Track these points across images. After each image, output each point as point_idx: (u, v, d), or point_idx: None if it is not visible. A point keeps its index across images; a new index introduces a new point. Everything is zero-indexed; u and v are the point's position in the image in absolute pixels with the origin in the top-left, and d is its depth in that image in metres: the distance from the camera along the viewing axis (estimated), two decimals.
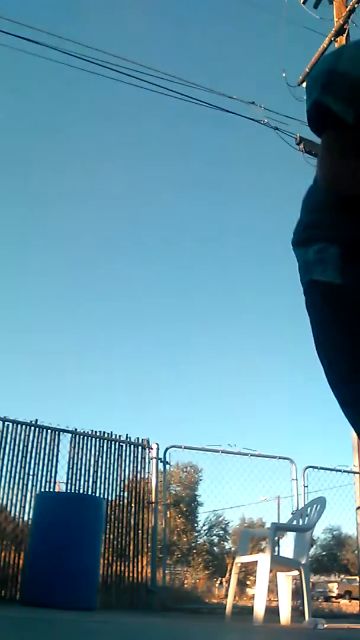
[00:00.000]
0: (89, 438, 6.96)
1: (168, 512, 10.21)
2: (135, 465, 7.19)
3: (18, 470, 6.44)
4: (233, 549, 22.88)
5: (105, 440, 7.07)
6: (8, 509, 6.34)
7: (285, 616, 5.35)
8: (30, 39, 8.11)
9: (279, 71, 10.69)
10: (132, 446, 7.22)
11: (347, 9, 10.78)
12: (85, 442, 6.92)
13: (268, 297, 53.77)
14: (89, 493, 6.75)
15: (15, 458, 6.45)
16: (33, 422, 6.66)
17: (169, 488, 11.65)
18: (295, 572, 5.31)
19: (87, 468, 6.86)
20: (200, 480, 20.80)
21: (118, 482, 7.04)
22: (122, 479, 7.10)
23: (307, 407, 49.59)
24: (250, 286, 54.24)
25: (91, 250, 53.45)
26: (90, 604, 5.60)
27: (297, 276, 1.66)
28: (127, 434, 7.26)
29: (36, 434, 6.64)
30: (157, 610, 6.47)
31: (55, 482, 6.64)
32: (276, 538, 6.32)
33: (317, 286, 1.52)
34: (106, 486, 6.93)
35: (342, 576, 30.50)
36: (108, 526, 6.77)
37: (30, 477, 6.49)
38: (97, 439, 7.02)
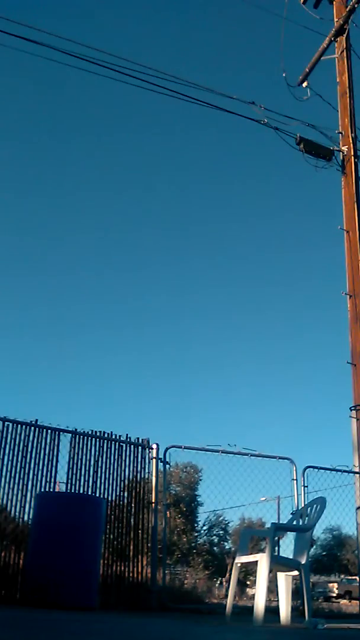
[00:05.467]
0: (89, 438, 6.96)
1: (168, 512, 10.20)
2: (135, 465, 7.18)
3: (18, 470, 6.44)
4: (233, 549, 22.88)
5: (105, 440, 7.06)
6: (8, 509, 6.33)
7: (285, 616, 5.35)
8: (31, 39, 8.12)
9: (279, 71, 10.69)
10: (132, 446, 7.22)
11: (347, 9, 10.78)
12: (85, 442, 6.91)
13: (267, 298, 53.75)
14: (89, 493, 6.75)
15: (15, 458, 6.45)
16: (33, 422, 6.65)
17: (169, 488, 11.64)
18: (295, 572, 5.30)
19: (87, 468, 6.86)
20: (200, 480, 20.82)
21: (118, 482, 7.04)
22: (122, 479, 7.09)
23: (307, 407, 49.60)
24: (251, 286, 54.23)
25: (85, 253, 53.44)
26: (90, 604, 5.60)
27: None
28: (127, 434, 7.27)
29: (36, 434, 6.64)
30: (157, 610, 6.47)
31: (55, 482, 6.64)
32: (276, 538, 6.32)
33: None
34: (106, 486, 6.93)
35: (342, 576, 30.51)
36: (108, 526, 6.77)
37: (30, 477, 6.48)
38: (97, 439, 7.01)
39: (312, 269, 53.09)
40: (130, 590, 6.73)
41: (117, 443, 7.14)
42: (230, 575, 5.94)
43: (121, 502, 7.07)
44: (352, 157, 10.17)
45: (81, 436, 6.90)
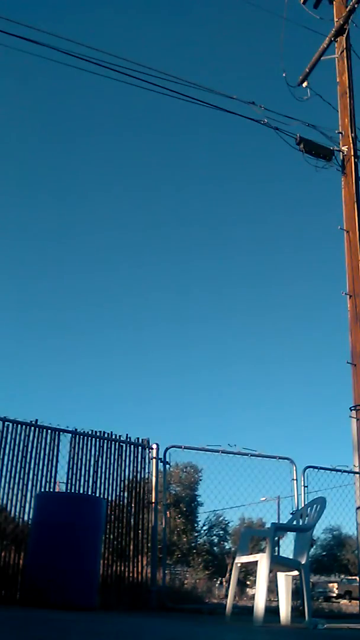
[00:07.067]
0: (89, 438, 6.95)
1: (168, 512, 10.20)
2: (135, 465, 7.18)
3: (18, 470, 6.43)
4: (233, 549, 22.87)
5: (105, 440, 7.06)
6: (8, 509, 6.33)
7: (285, 616, 5.35)
8: (31, 39, 8.12)
9: (279, 71, 10.70)
10: (132, 446, 7.22)
11: (347, 9, 10.78)
12: (85, 442, 6.91)
13: (267, 298, 53.75)
14: (89, 493, 6.75)
15: (15, 458, 6.44)
16: (33, 422, 6.65)
17: (169, 488, 11.64)
18: (295, 572, 5.30)
19: (87, 468, 6.85)
20: (200, 480, 20.82)
21: (118, 482, 7.03)
22: (122, 479, 7.09)
23: (307, 407, 49.60)
24: (251, 286, 54.22)
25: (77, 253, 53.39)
26: (90, 604, 5.60)
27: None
28: (127, 434, 7.26)
29: (36, 434, 6.63)
30: (157, 610, 6.47)
31: (55, 482, 6.63)
32: (276, 538, 6.32)
33: None
34: (106, 486, 6.93)
35: (342, 576, 30.51)
36: (108, 526, 6.76)
37: (30, 477, 6.48)
38: (97, 439, 7.01)
39: (312, 269, 53.09)
40: (130, 590, 6.73)
41: (117, 443, 7.14)
42: (230, 575, 5.94)
43: (121, 502, 7.07)
44: (352, 157, 10.17)
45: (81, 436, 6.90)
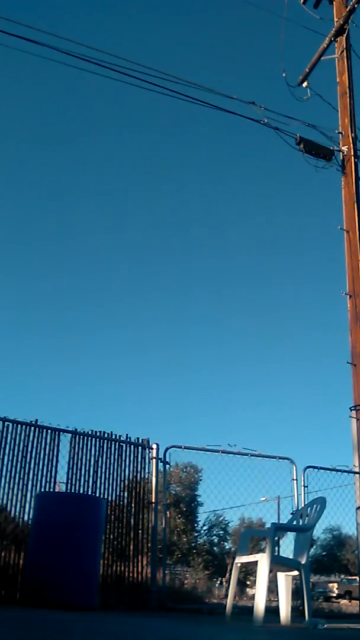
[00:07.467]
0: (89, 438, 6.95)
1: (168, 512, 10.20)
2: (135, 465, 7.18)
3: (18, 470, 6.43)
4: (233, 549, 22.86)
5: (105, 440, 7.06)
6: (8, 509, 6.33)
7: (285, 616, 5.35)
8: (31, 39, 8.12)
9: (279, 71, 10.70)
10: (132, 446, 7.22)
11: (347, 9, 10.79)
12: (85, 442, 6.91)
13: (267, 299, 53.73)
14: (89, 493, 6.75)
15: (15, 458, 6.44)
16: (33, 422, 6.65)
17: (169, 488, 11.63)
18: (295, 572, 5.30)
19: (87, 468, 6.86)
20: (200, 480, 20.80)
21: (118, 482, 7.04)
22: (122, 479, 7.09)
23: (307, 407, 49.58)
24: (251, 286, 54.21)
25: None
26: (91, 604, 5.60)
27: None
28: (127, 434, 7.27)
29: (36, 434, 6.63)
30: (157, 610, 6.47)
31: (55, 482, 6.64)
32: (276, 538, 6.32)
33: None
34: (106, 486, 6.93)
35: (342, 576, 30.49)
36: (108, 526, 6.76)
37: (30, 477, 6.48)
38: (97, 439, 7.01)
39: (312, 269, 53.08)
40: (130, 590, 6.73)
41: (117, 443, 7.14)
42: (230, 575, 5.94)
43: (121, 502, 7.07)
44: (352, 157, 10.17)
45: (81, 436, 6.90)
